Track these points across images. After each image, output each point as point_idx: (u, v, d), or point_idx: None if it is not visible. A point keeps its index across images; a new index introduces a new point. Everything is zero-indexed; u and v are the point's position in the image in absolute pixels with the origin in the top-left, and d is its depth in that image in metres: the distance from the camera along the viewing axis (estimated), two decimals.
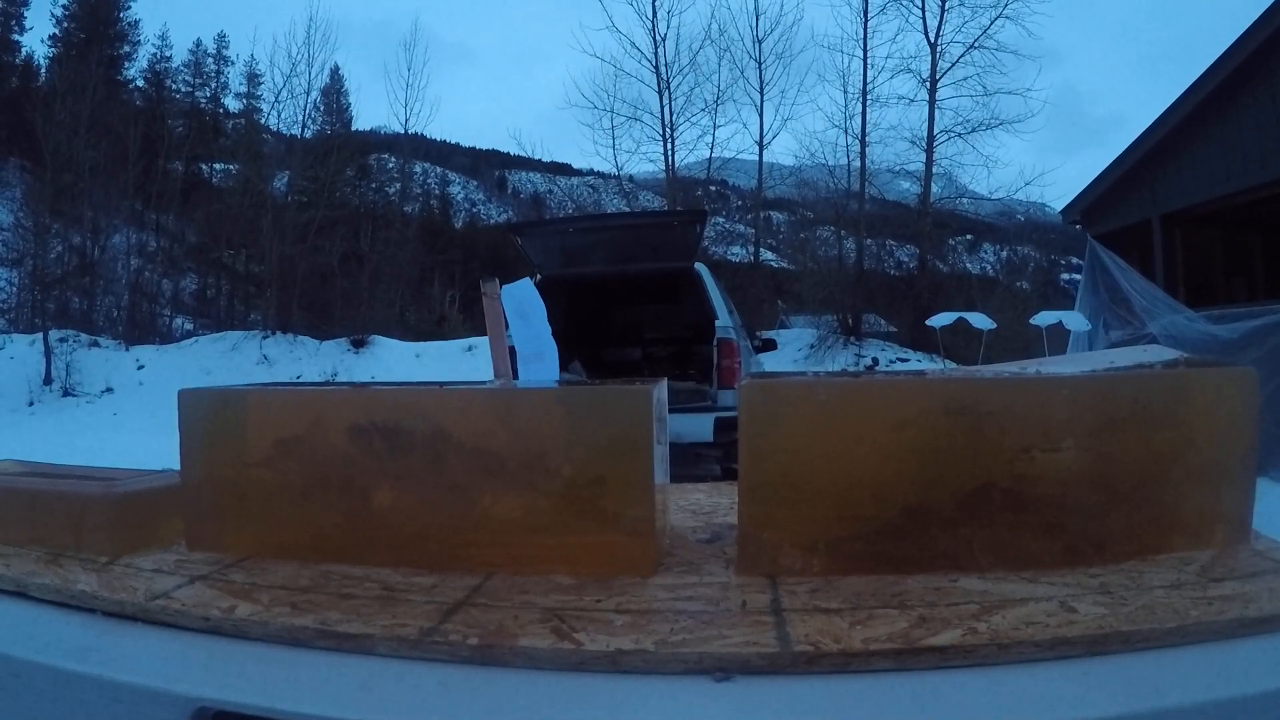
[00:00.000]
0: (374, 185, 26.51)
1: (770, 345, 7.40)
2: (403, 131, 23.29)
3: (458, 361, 13.80)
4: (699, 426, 4.85)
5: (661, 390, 0.88)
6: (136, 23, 30.26)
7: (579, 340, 5.98)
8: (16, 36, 29.03)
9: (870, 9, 17.40)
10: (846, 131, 17.67)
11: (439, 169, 39.76)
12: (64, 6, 28.35)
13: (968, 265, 20.63)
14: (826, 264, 17.27)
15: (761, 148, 18.91)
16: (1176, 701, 0.54)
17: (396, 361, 14.63)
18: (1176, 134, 8.15)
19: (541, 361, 1.29)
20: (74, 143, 17.11)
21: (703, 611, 0.69)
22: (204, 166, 26.21)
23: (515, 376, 1.28)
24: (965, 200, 18.42)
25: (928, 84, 17.16)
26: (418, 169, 31.08)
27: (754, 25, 18.96)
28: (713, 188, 22.83)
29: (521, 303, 1.31)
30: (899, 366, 13.80)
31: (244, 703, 0.59)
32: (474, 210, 43.99)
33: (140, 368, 14.19)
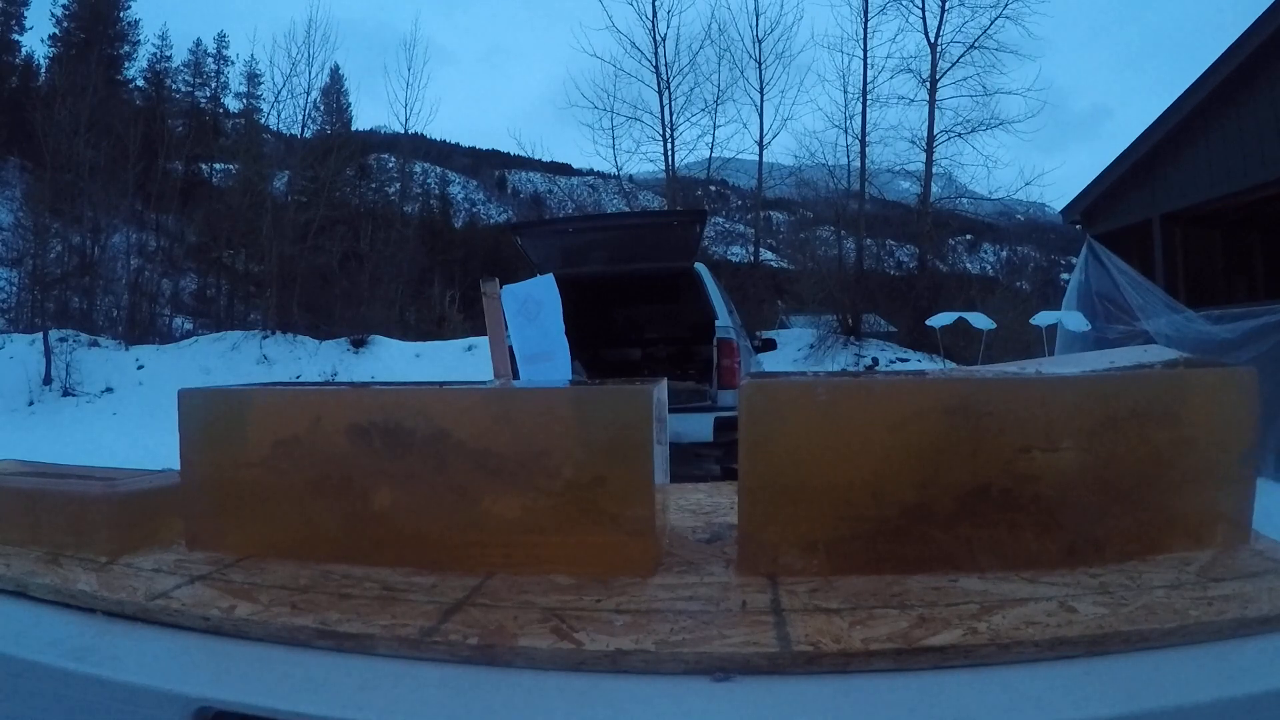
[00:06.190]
0: (374, 185, 26.53)
1: (770, 345, 7.40)
2: (403, 131, 23.32)
3: (458, 361, 13.80)
4: (699, 426, 4.85)
5: (661, 390, 0.88)
6: (136, 23, 30.35)
7: (579, 340, 5.96)
8: (16, 36, 29.11)
9: (870, 9, 17.43)
10: (846, 131, 17.70)
11: (439, 169, 39.72)
12: (64, 6, 28.41)
13: (968, 265, 20.65)
14: (826, 264, 17.26)
15: (761, 148, 18.94)
16: (1176, 701, 0.54)
17: (396, 361, 14.62)
18: (1177, 133, 8.13)
19: (551, 361, 1.28)
20: (74, 142, 17.11)
21: (703, 611, 0.69)
22: (204, 166, 26.21)
23: (516, 376, 1.27)
24: (965, 200, 18.43)
25: (928, 84, 17.17)
26: (418, 169, 31.09)
27: (754, 25, 19.03)
28: (713, 188, 22.83)
29: (527, 302, 1.30)
30: (899, 366, 13.80)
31: (244, 703, 0.59)
32: (474, 210, 43.96)
33: (140, 367, 14.18)
